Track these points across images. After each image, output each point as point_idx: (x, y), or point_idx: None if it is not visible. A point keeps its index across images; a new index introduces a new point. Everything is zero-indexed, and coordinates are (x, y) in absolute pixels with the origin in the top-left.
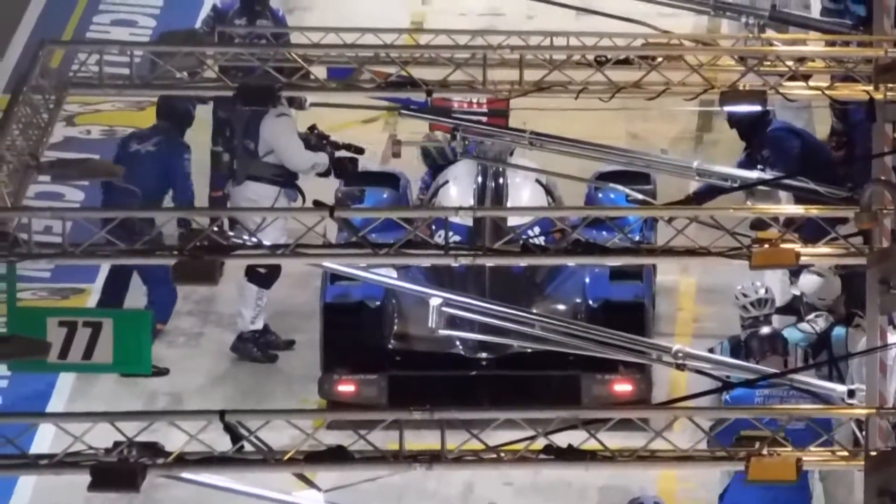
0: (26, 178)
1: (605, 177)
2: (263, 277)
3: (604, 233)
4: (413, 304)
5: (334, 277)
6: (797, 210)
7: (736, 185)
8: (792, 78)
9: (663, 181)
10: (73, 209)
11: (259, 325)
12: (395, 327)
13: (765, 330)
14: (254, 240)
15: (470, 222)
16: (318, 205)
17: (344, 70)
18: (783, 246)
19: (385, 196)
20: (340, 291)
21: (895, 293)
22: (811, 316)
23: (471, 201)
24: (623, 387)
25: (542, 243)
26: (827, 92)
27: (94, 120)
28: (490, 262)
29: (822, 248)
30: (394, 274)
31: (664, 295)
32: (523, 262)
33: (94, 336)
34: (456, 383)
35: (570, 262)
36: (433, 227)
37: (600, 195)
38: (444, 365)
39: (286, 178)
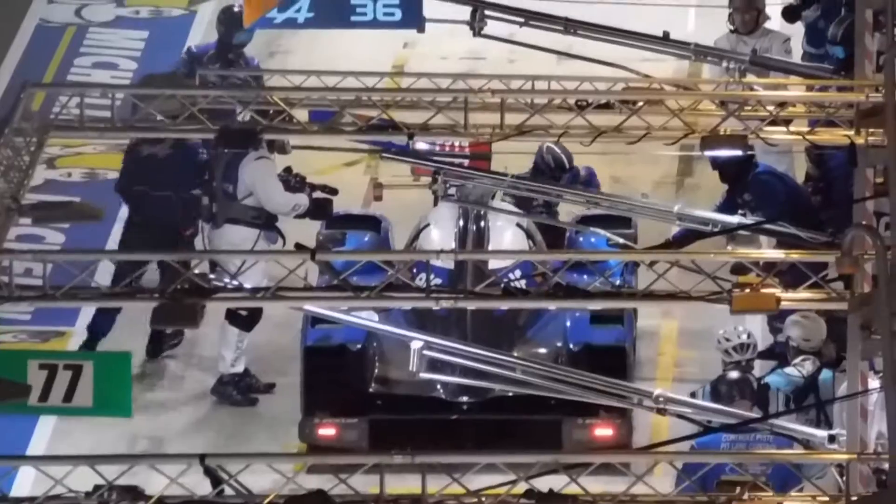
0: (7, 221)
1: (586, 220)
2: (244, 320)
3: (585, 276)
4: (394, 347)
5: (315, 320)
6: (778, 255)
7: (717, 229)
8: (773, 123)
9: (644, 225)
10: (55, 252)
11: (240, 369)
12: (377, 371)
13: (733, 374)
14: (235, 282)
15: (451, 265)
16: (299, 248)
17: (326, 113)
18: (764, 291)
19: (366, 239)
20: (321, 335)
21: (876, 338)
22: (798, 360)
23: (452, 244)
24: (604, 431)
25: (524, 287)
26: (808, 137)
27: (76, 162)
28: (471, 306)
29: (802, 293)
30: (375, 317)
31: (645, 339)
32: (504, 305)
33: (74, 379)
34: (437, 427)
35: (552, 305)
36: (414, 271)
37: (581, 239)
38: (425, 408)
39: (265, 221)
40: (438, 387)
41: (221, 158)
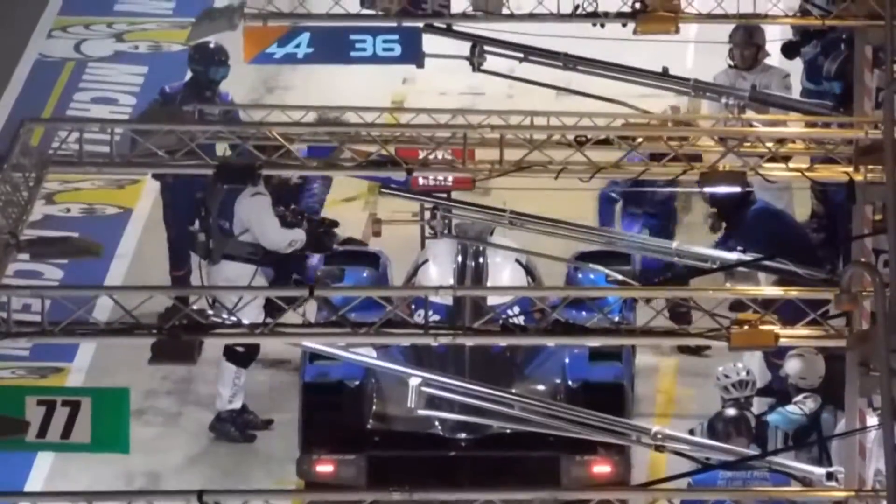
0: (5, 257)
1: (584, 257)
2: (241, 356)
3: (584, 313)
4: (392, 384)
5: (314, 357)
6: (777, 291)
7: (715, 266)
8: (772, 159)
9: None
10: (53, 287)
11: (237, 405)
12: (375, 407)
13: (731, 411)
14: (233, 318)
15: (450, 302)
16: (297, 283)
17: (324, 149)
18: (762, 327)
19: (365, 275)
20: (320, 371)
21: (875, 375)
22: (799, 398)
23: (450, 281)
24: (602, 468)
25: (522, 323)
26: (807, 173)
27: (74, 198)
28: (470, 342)
29: (801, 330)
30: (373, 353)
31: (644, 375)
32: (503, 341)
33: (72, 415)
34: (435, 464)
35: (550, 342)
36: (413, 307)
37: (580, 276)
38: (423, 445)
39: (262, 257)
40: (437, 423)
41: (217, 195)
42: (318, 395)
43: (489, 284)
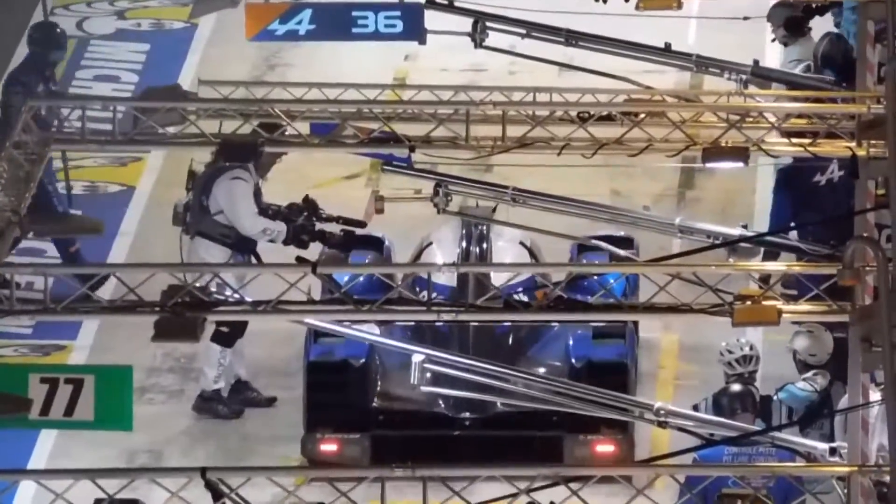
0: (8, 234)
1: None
2: (225, 336)
3: (589, 297)
4: (396, 363)
5: (318, 335)
6: (779, 267)
7: (718, 241)
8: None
9: (645, 239)
10: (55, 265)
11: (221, 385)
12: (379, 386)
13: (735, 387)
14: (236, 296)
15: (454, 282)
16: (300, 261)
17: (326, 126)
18: (765, 303)
19: (368, 259)
20: (324, 350)
21: (877, 350)
22: (809, 374)
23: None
24: (605, 447)
25: (526, 300)
26: (809, 148)
27: (77, 176)
28: (473, 320)
29: (804, 306)
30: (377, 331)
31: (646, 352)
32: (506, 319)
33: (75, 393)
34: (439, 443)
35: (553, 319)
36: (416, 289)
37: (584, 259)
38: (427, 425)
39: (237, 242)
40: (441, 402)
41: (207, 170)
42: (322, 375)
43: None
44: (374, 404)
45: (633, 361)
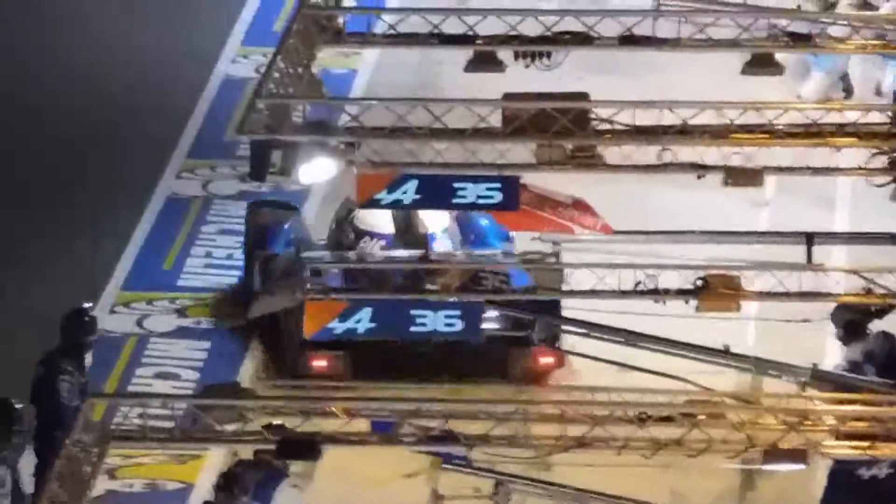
0: None
1: None
2: None
3: None
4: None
5: None
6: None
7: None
8: (835, 437)
9: None
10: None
11: None
12: None
13: None
14: None
15: None
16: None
17: (386, 423)
18: None
19: None
20: None
21: None
22: None
23: None
24: (546, 359)
25: None
26: (869, 451)
27: (136, 473)
28: None
29: None
30: None
31: None
32: None
33: None
34: (408, 360)
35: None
36: None
37: None
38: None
39: None
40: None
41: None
42: None
43: None
44: None
45: None
